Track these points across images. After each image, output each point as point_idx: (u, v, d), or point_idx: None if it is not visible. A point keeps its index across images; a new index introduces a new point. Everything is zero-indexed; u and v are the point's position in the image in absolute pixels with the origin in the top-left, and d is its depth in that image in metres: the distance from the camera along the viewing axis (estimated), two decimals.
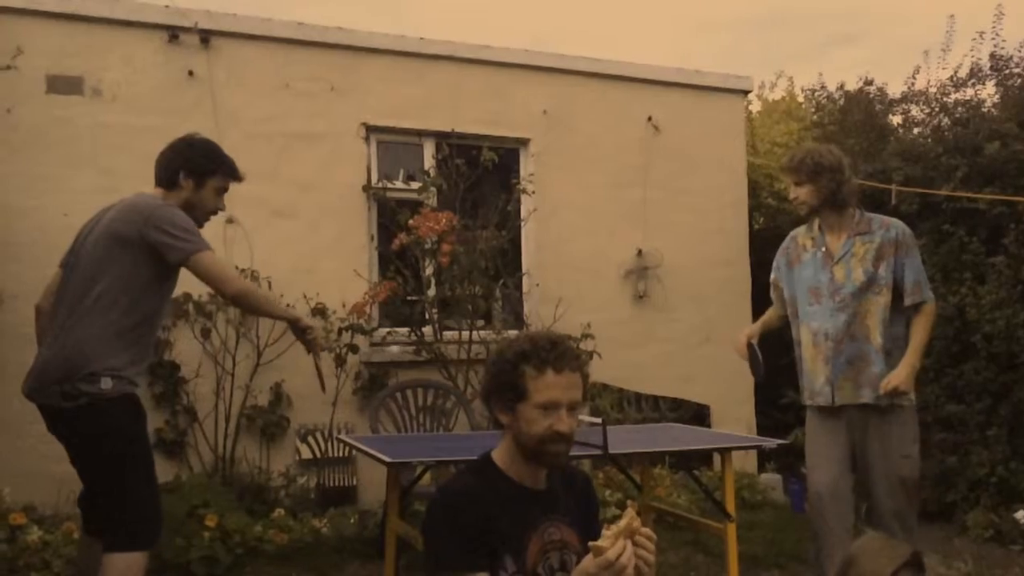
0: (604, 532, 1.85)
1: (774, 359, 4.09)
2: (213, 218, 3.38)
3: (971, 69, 6.49)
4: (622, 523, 1.86)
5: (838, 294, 3.74)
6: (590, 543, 1.85)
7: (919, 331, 3.72)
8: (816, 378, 3.82)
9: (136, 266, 3.02)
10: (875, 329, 3.71)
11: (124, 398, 3.01)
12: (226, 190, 3.33)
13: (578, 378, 2.10)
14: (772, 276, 4.09)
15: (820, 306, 3.79)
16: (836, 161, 3.76)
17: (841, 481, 3.73)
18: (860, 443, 3.75)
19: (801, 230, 3.99)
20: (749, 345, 3.96)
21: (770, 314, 4.15)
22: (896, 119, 6.97)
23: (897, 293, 3.75)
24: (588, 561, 1.84)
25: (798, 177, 3.79)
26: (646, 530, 1.89)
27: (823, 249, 3.81)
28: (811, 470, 3.81)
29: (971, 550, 5.04)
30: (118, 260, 3.01)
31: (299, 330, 3.32)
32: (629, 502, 1.90)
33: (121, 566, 2.93)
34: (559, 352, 2.07)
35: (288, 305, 5.30)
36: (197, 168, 3.21)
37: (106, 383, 2.95)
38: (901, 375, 3.61)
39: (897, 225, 3.80)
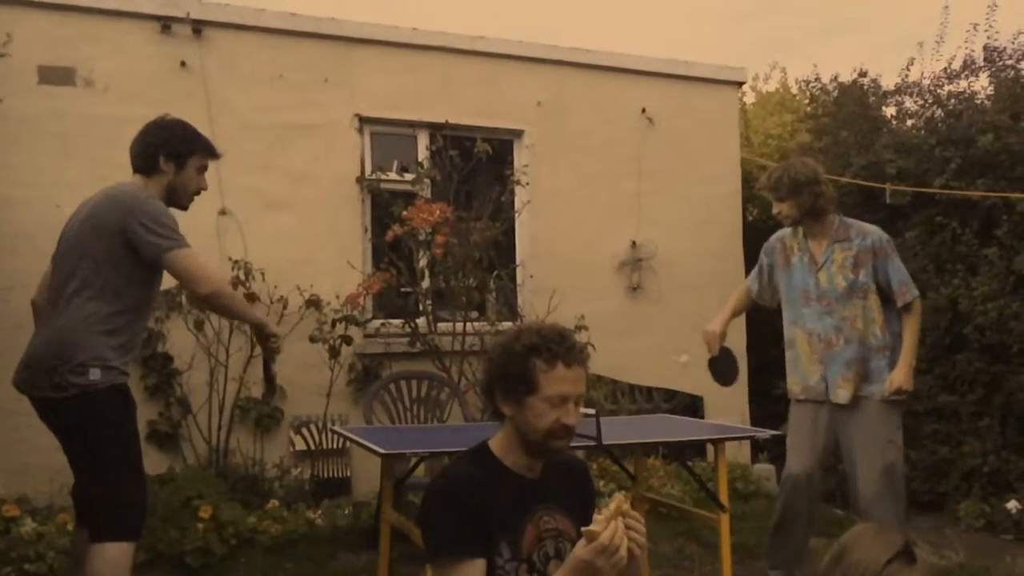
0: (595, 517, 1.87)
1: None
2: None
3: (965, 61, 6.49)
4: (612, 507, 1.88)
5: (824, 298, 3.98)
6: (583, 528, 1.86)
7: (910, 330, 3.96)
8: (811, 376, 4.05)
9: (116, 256, 3.00)
10: (867, 331, 3.96)
11: (114, 388, 3.00)
12: (206, 168, 3.30)
13: (583, 372, 2.11)
14: (766, 272, 4.22)
15: (811, 309, 4.03)
16: (812, 174, 3.97)
17: (815, 469, 3.98)
18: (845, 432, 3.94)
19: (787, 233, 4.20)
20: (725, 349, 4.10)
21: (740, 298, 4.30)
22: (890, 111, 6.97)
23: (886, 295, 3.97)
24: (581, 547, 1.85)
25: (778, 194, 4.02)
26: (635, 512, 1.91)
27: (808, 255, 4.05)
28: (791, 451, 4.02)
29: (963, 540, 5.07)
30: (97, 250, 3.00)
31: (263, 335, 3.24)
32: (619, 490, 1.92)
33: (109, 556, 2.93)
34: (568, 346, 2.08)
35: (280, 298, 5.33)
36: (176, 149, 3.18)
37: (95, 374, 2.95)
38: (902, 375, 3.86)
39: (873, 232, 4.02)
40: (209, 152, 3.29)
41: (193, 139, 3.25)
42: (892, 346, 3.94)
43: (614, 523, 1.85)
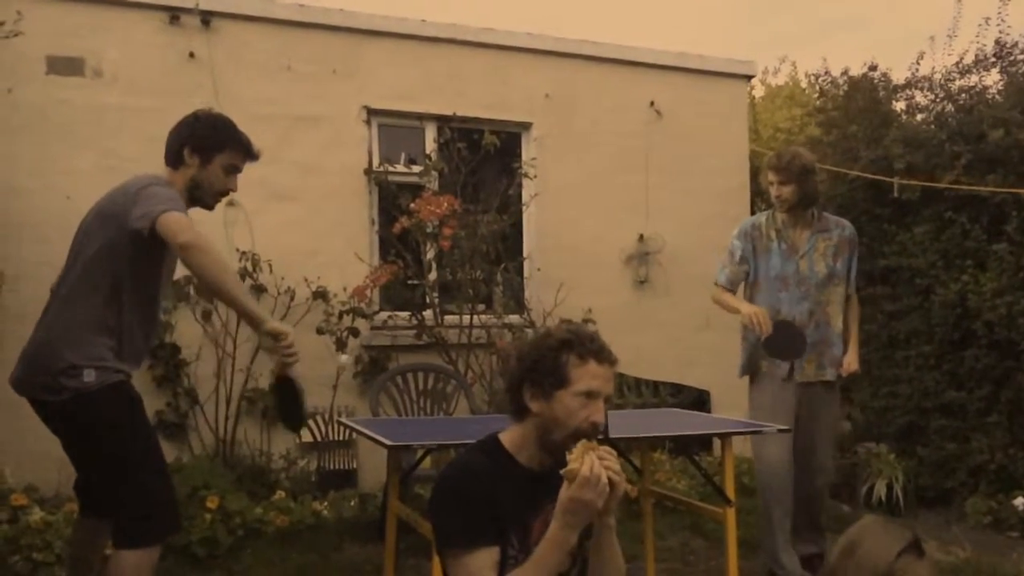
0: (568, 457, 1.93)
1: None
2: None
3: (976, 56, 6.44)
4: (579, 446, 1.95)
5: (803, 284, 4.18)
6: (561, 471, 1.92)
7: (856, 319, 4.39)
8: None
9: (118, 247, 2.83)
10: (836, 316, 4.24)
11: (110, 388, 2.84)
12: (238, 169, 3.10)
13: (613, 373, 2.12)
14: (739, 254, 4.29)
15: (788, 294, 4.20)
16: (814, 163, 4.25)
17: (791, 453, 4.19)
18: (809, 411, 4.22)
19: (762, 219, 4.34)
20: (780, 321, 4.10)
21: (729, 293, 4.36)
22: (900, 105, 6.93)
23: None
24: (565, 490, 1.92)
25: (786, 177, 4.13)
26: (603, 447, 1.97)
27: (786, 243, 4.22)
28: (771, 444, 4.15)
29: (969, 536, 5.07)
30: (101, 240, 2.86)
31: (266, 335, 2.79)
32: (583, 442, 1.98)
33: (131, 561, 2.79)
34: (601, 344, 2.11)
35: (287, 290, 5.32)
36: (203, 143, 3.01)
37: (89, 375, 2.79)
38: (856, 359, 4.29)
39: (849, 225, 4.36)
40: (242, 152, 3.08)
41: (224, 135, 3.06)
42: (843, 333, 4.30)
43: (588, 457, 1.92)
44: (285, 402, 2.94)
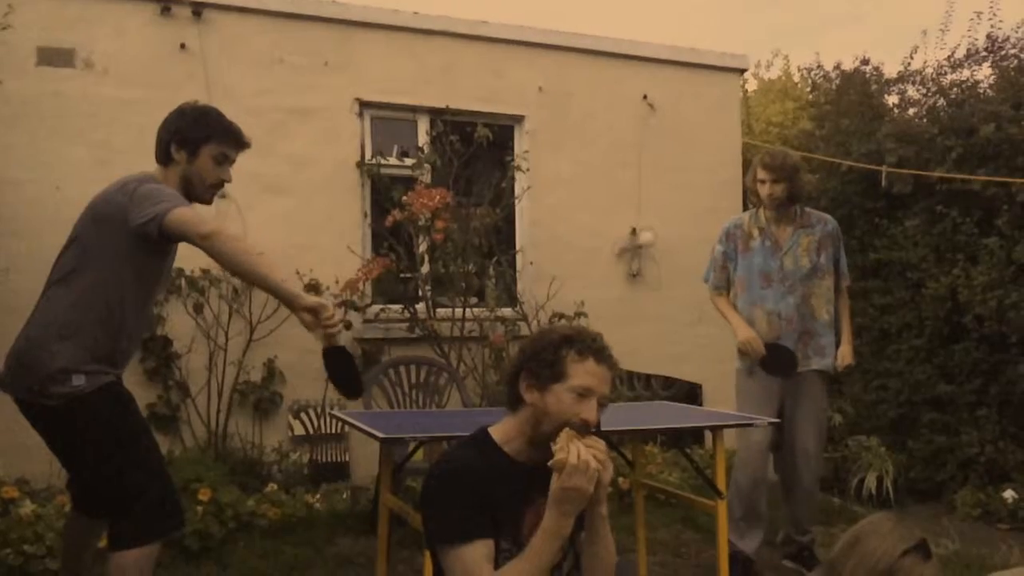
0: (553, 448, 1.96)
1: None
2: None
3: (968, 50, 6.46)
4: (562, 436, 1.98)
5: (787, 280, 4.29)
6: (549, 463, 1.96)
7: (849, 312, 4.52)
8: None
9: (112, 252, 2.78)
10: (821, 308, 4.33)
11: (101, 391, 2.78)
12: (228, 159, 3.02)
13: (611, 375, 2.13)
14: (721, 260, 4.46)
15: (771, 289, 4.31)
16: (800, 162, 4.40)
17: (769, 442, 4.33)
18: (793, 399, 4.32)
19: (745, 218, 4.47)
20: (771, 344, 4.25)
21: (730, 301, 4.48)
22: (892, 99, 6.94)
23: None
24: (556, 480, 1.95)
25: (778, 175, 4.25)
26: (587, 436, 2.01)
27: (770, 240, 4.33)
28: (752, 430, 4.24)
29: (959, 529, 5.10)
30: (93, 246, 2.80)
31: (304, 311, 2.72)
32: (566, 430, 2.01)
33: (130, 559, 2.76)
34: (601, 344, 2.13)
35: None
36: (188, 137, 2.94)
37: (79, 379, 2.73)
38: (850, 352, 4.42)
39: (831, 220, 4.47)
40: (230, 140, 3.01)
41: (208, 125, 2.98)
42: (835, 325, 4.38)
43: (573, 445, 1.95)
44: (340, 371, 2.90)
